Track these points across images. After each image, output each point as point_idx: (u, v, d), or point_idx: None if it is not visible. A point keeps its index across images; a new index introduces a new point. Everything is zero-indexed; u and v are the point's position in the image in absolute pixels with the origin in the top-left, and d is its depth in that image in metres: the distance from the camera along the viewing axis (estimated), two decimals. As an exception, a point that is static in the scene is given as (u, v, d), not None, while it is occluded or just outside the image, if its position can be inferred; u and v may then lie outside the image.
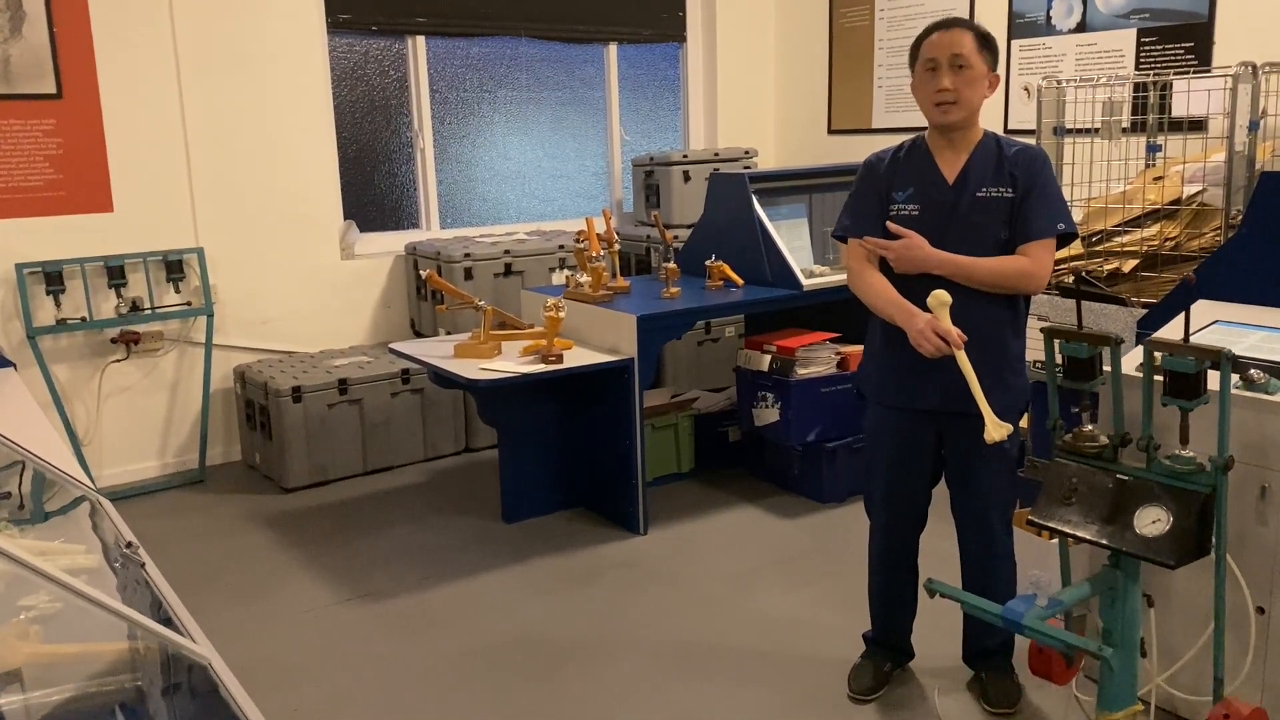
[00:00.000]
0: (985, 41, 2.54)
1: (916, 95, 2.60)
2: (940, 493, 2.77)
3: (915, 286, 2.55)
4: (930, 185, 2.59)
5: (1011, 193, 2.54)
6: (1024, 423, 3.88)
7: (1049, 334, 2.29)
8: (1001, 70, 4.90)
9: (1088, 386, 2.25)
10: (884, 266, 2.65)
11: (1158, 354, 2.14)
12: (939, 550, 2.80)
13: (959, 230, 2.55)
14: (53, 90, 4.31)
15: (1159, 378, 2.15)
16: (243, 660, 3.05)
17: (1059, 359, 2.29)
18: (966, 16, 5.16)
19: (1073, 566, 2.51)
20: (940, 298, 2.45)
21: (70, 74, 4.33)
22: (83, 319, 4.46)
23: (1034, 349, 3.27)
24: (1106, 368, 2.26)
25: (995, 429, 2.36)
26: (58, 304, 4.39)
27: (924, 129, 2.67)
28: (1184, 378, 2.10)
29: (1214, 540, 2.11)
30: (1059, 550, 2.48)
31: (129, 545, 1.82)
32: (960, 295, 2.50)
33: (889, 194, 2.64)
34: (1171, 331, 2.62)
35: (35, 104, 4.29)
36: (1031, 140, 3.97)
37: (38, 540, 2.02)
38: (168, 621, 1.62)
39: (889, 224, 2.61)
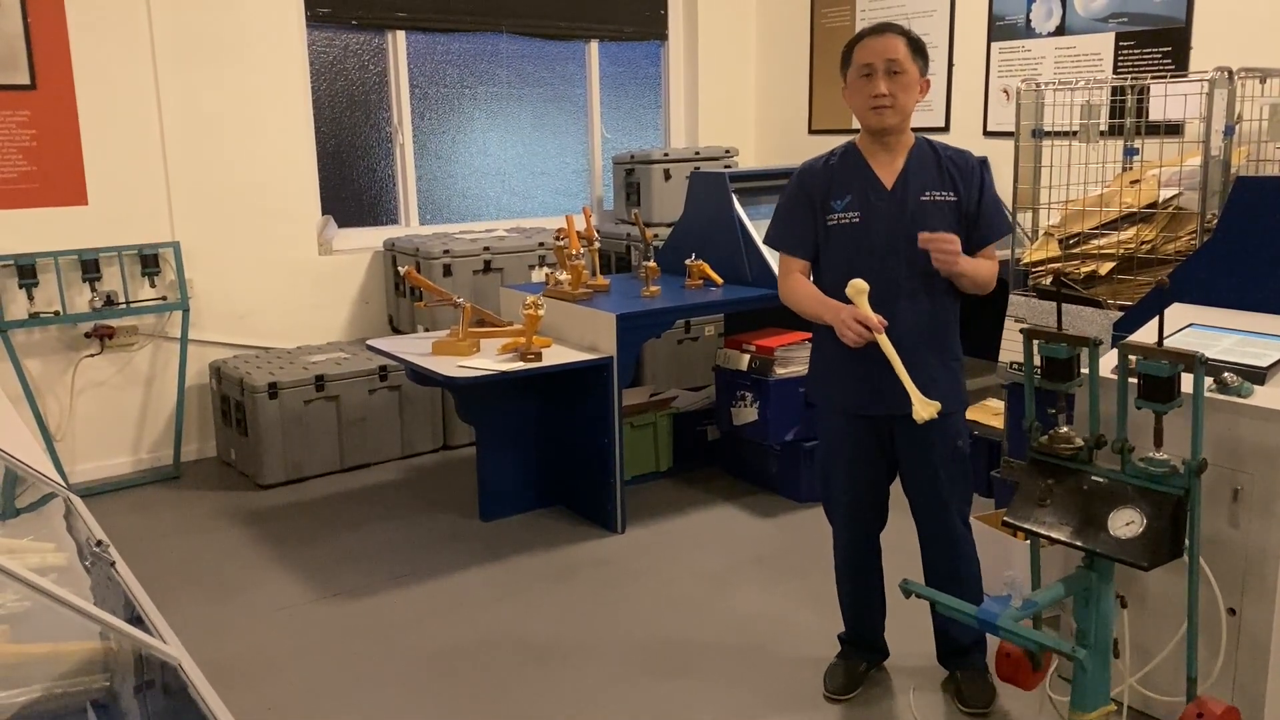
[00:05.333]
0: (917, 47, 2.59)
1: (850, 100, 2.63)
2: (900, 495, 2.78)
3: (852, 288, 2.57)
4: (869, 191, 2.61)
5: (954, 197, 2.58)
6: (986, 418, 3.91)
7: (1029, 335, 2.30)
8: (980, 72, 4.97)
9: (1065, 387, 2.27)
10: (817, 279, 2.70)
11: (1132, 357, 2.15)
12: (908, 547, 2.81)
13: (908, 235, 2.56)
14: (26, 81, 4.26)
15: (1134, 380, 2.16)
16: (217, 658, 3.04)
17: (1037, 360, 2.30)
18: (947, 20, 5.18)
19: (1046, 568, 2.52)
20: (858, 286, 2.50)
21: (44, 65, 4.28)
22: (56, 313, 4.41)
23: (1014, 350, 3.29)
24: (1084, 369, 2.27)
25: (923, 407, 2.43)
26: (30, 297, 4.34)
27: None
28: (1158, 381, 2.11)
29: (1187, 542, 2.12)
30: (1030, 551, 2.49)
31: (99, 544, 1.80)
32: (922, 295, 2.57)
33: (825, 202, 2.65)
34: (1147, 334, 2.64)
35: (9, 95, 4.23)
36: (1010, 142, 4.01)
37: (6, 538, 1.99)
38: (137, 621, 1.60)
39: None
